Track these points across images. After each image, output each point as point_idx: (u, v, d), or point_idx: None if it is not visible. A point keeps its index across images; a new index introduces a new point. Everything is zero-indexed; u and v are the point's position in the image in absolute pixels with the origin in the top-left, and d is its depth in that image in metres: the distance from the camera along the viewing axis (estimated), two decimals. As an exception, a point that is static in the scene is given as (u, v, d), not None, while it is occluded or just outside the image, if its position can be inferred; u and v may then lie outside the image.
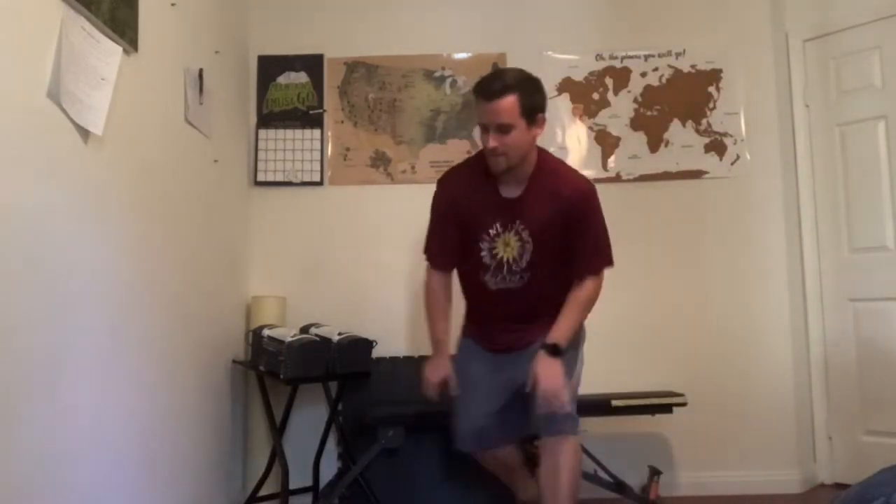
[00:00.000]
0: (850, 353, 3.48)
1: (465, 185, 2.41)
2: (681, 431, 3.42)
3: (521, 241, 2.35)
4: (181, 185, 2.72)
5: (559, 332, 2.31)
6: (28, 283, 1.75)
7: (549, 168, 2.36)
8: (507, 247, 2.37)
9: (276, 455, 3.08)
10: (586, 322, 2.50)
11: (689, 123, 3.61)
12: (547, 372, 2.23)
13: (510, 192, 2.35)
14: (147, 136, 2.43)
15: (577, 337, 2.44)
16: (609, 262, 2.43)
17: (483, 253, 2.39)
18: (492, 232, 2.37)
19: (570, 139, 3.62)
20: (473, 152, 3.11)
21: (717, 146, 3.60)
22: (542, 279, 2.39)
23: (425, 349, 2.68)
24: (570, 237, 2.34)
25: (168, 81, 2.64)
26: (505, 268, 2.38)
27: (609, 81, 3.64)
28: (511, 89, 2.17)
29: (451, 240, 2.44)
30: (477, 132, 2.97)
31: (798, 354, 3.54)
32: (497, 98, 2.17)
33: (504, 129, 2.19)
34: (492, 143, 2.19)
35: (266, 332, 3.00)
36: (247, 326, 3.36)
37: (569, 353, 2.34)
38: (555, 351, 2.28)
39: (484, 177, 2.36)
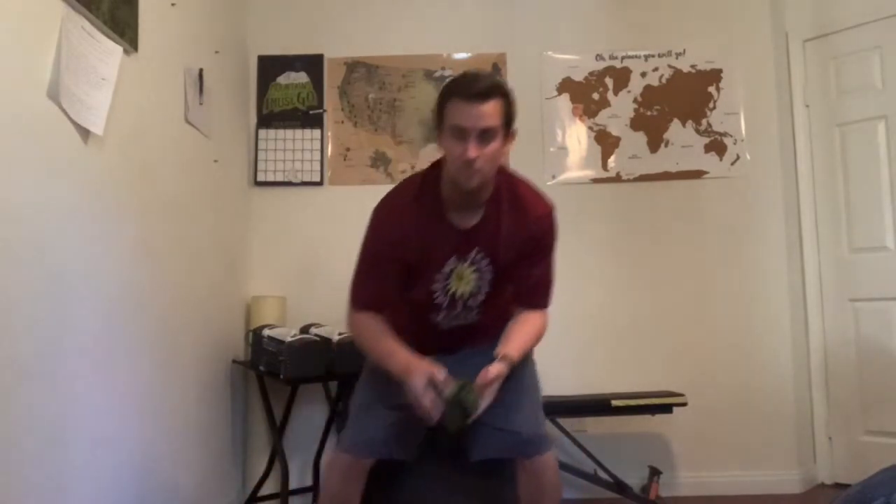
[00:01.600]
0: (850, 353, 3.48)
1: (412, 222, 1.98)
2: (681, 431, 3.42)
3: (479, 271, 2.02)
4: (181, 185, 2.72)
5: (513, 347, 1.96)
6: (28, 282, 1.75)
7: (510, 190, 2.02)
8: (462, 280, 2.04)
9: (276, 455, 3.08)
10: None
11: (689, 123, 3.61)
12: (494, 369, 1.88)
13: (465, 220, 1.99)
14: (147, 136, 2.43)
15: (531, 363, 2.15)
16: (550, 300, 2.11)
17: (436, 294, 2.04)
18: (446, 269, 2.01)
19: (570, 139, 3.62)
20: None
21: (717, 146, 3.60)
22: (498, 306, 2.10)
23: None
24: (521, 269, 2.04)
25: (168, 81, 2.64)
26: (460, 305, 2.06)
27: (609, 81, 3.64)
28: (498, 92, 1.90)
29: (391, 286, 2.03)
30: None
31: (798, 354, 3.54)
32: (485, 100, 1.86)
33: (487, 137, 1.86)
34: (472, 152, 1.84)
35: (266, 332, 3.00)
36: (247, 326, 3.36)
37: (527, 369, 2.10)
38: (510, 364, 1.93)
39: (431, 208, 1.98)
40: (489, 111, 1.86)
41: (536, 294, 2.09)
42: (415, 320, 2.08)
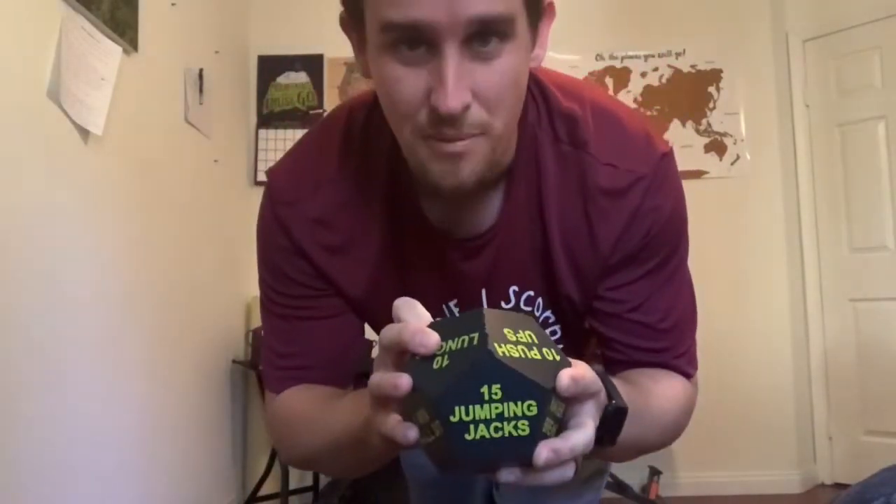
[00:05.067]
0: (850, 353, 3.48)
1: (341, 217, 0.92)
2: (681, 431, 3.41)
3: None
4: (181, 185, 2.72)
5: (629, 400, 0.74)
6: (27, 282, 1.75)
7: (566, 129, 0.90)
8: None
9: (277, 455, 3.08)
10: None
11: (689, 123, 3.61)
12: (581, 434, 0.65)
13: (465, 220, 0.91)
14: (147, 136, 2.43)
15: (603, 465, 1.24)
16: (695, 358, 1.01)
17: None
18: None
19: (570, 139, 3.62)
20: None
21: (717, 146, 3.59)
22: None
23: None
24: (617, 290, 0.93)
25: (168, 81, 2.64)
26: None
27: (609, 81, 3.64)
28: None
29: (328, 338, 0.96)
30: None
31: (798, 354, 3.54)
32: None
33: (494, 33, 0.74)
34: (453, 94, 0.71)
35: (266, 332, 3.00)
36: (247, 326, 3.36)
37: (593, 473, 1.23)
38: (609, 427, 0.71)
39: (384, 191, 0.92)
40: None
41: (660, 347, 0.95)
42: None
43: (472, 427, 0.57)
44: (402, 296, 0.68)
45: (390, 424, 0.63)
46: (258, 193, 3.60)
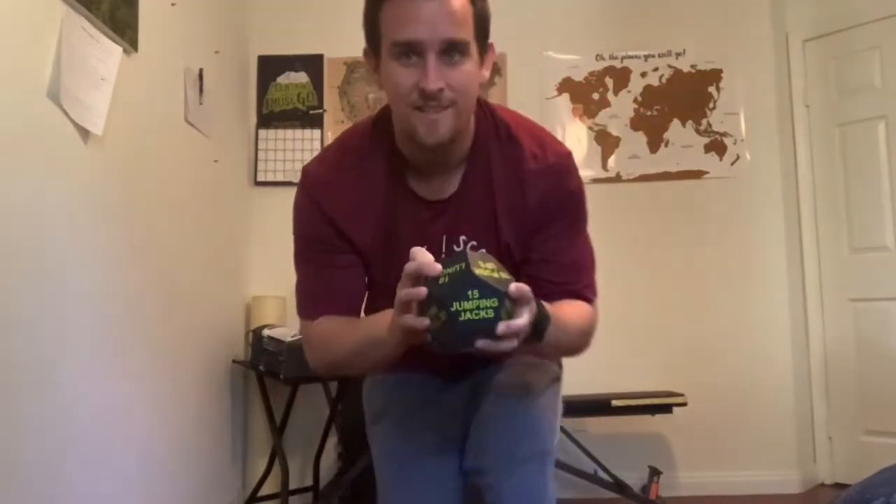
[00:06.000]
0: (850, 353, 3.48)
1: (355, 184, 1.37)
2: (681, 431, 3.42)
3: None
4: (181, 185, 2.72)
5: (553, 310, 1.23)
6: (27, 282, 1.75)
7: (501, 134, 1.37)
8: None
9: (276, 455, 3.08)
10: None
11: (689, 123, 3.61)
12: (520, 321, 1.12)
13: (437, 188, 1.36)
14: (147, 136, 2.43)
15: (558, 372, 1.56)
16: (595, 290, 1.49)
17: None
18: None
19: (570, 139, 3.62)
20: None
21: (717, 146, 3.60)
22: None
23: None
24: (540, 240, 1.38)
25: (168, 81, 2.64)
26: None
27: (609, 81, 3.64)
28: None
29: (346, 287, 1.41)
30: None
31: (798, 354, 3.54)
32: None
33: (455, 53, 1.22)
34: (433, 78, 1.20)
35: (266, 332, 3.00)
36: (247, 326, 3.36)
37: (550, 382, 1.51)
38: (538, 322, 1.17)
39: (385, 172, 1.37)
40: (454, 10, 1.21)
41: (571, 280, 1.41)
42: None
43: (462, 313, 1.03)
44: (392, 245, 1.30)
45: (411, 319, 1.08)
46: (258, 193, 3.68)
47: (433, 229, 1.37)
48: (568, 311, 1.33)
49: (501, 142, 1.37)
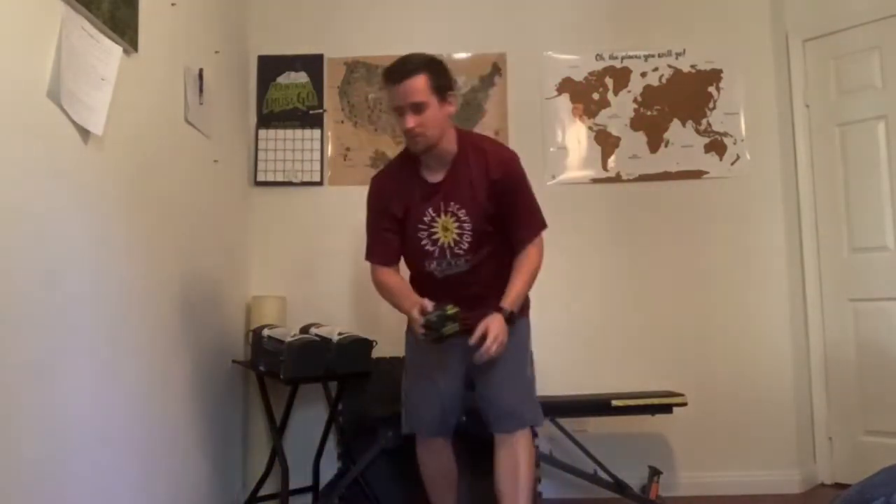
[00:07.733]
0: (850, 353, 3.48)
1: (394, 178, 2.44)
2: (681, 431, 3.42)
3: (459, 221, 2.35)
4: (181, 185, 2.72)
5: (510, 299, 2.32)
6: (27, 282, 1.75)
7: (472, 145, 2.38)
8: (447, 231, 2.36)
9: (276, 455, 3.08)
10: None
11: (689, 123, 3.61)
12: (496, 324, 2.24)
13: (435, 176, 2.37)
14: (147, 136, 2.43)
15: (526, 332, 2.49)
16: (543, 224, 2.44)
17: (424, 241, 2.38)
18: (426, 219, 2.37)
19: (569, 139, 3.62)
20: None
21: (717, 146, 3.60)
22: (487, 259, 2.39)
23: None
24: (503, 210, 2.36)
25: (168, 81, 2.64)
26: (448, 253, 2.37)
27: (609, 81, 3.64)
28: (419, 69, 2.24)
29: (391, 236, 2.43)
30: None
31: (798, 354, 3.54)
32: (407, 78, 2.23)
33: (418, 108, 2.24)
34: (409, 123, 2.24)
35: (266, 332, 3.00)
36: (247, 326, 3.36)
37: (520, 343, 2.42)
38: (508, 319, 2.29)
39: (411, 168, 2.40)
40: (414, 87, 2.23)
41: (523, 224, 2.41)
42: (416, 270, 2.48)
43: (444, 331, 2.22)
44: (413, 209, 2.40)
45: (416, 329, 2.27)
46: (258, 193, 3.72)
47: (436, 199, 2.38)
48: (523, 272, 2.37)
49: (475, 149, 2.39)
